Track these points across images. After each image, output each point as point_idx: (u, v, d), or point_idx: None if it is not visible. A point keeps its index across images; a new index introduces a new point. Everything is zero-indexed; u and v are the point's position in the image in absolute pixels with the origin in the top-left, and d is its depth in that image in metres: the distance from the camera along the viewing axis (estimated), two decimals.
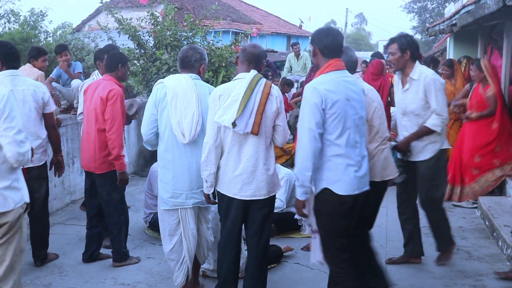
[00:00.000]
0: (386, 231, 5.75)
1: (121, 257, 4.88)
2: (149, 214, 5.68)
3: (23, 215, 3.10)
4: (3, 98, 2.94)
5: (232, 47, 9.57)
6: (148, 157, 8.99)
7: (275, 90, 3.63)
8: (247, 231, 3.82)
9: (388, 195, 7.31)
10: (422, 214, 4.83)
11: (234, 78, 3.70)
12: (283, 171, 5.80)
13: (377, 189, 3.87)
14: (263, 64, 3.75)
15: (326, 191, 3.34)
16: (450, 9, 12.64)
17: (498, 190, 7.06)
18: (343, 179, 3.31)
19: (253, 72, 3.61)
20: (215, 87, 3.73)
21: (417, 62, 4.48)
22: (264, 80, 3.60)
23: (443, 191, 4.99)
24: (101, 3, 9.72)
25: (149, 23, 9.27)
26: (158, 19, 9.25)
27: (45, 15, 10.09)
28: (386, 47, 4.70)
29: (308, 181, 3.28)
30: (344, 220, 3.39)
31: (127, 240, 5.00)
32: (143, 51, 9.22)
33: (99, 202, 4.89)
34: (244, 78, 3.59)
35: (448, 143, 4.71)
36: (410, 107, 4.50)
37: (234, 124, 3.45)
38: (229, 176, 3.59)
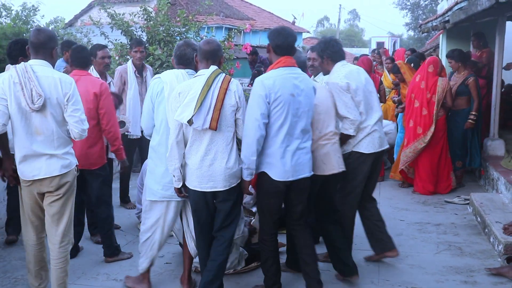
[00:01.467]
0: None
1: (113, 251, 4.87)
2: (141, 210, 5.65)
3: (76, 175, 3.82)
4: (72, 83, 3.68)
5: (226, 43, 9.54)
6: (140, 153, 8.93)
7: (234, 85, 3.71)
8: (214, 225, 3.89)
9: (380, 191, 7.35)
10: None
11: (194, 75, 3.80)
12: None
13: (316, 181, 4.09)
14: (221, 57, 3.84)
15: (263, 174, 3.79)
16: (443, 5, 12.65)
17: (490, 186, 7.11)
18: (278, 166, 3.73)
19: (212, 68, 3.70)
20: None
21: (338, 64, 4.44)
22: (222, 75, 3.67)
23: (349, 201, 4.56)
24: None
25: (142, 18, 9.23)
26: (151, 14, 9.21)
27: (37, 9, 10.03)
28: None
29: (254, 164, 3.70)
30: (276, 200, 3.88)
31: (114, 235, 4.98)
32: None
33: (82, 200, 4.89)
34: (203, 75, 3.68)
35: (368, 147, 4.41)
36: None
37: (190, 121, 3.55)
38: (192, 169, 3.71)
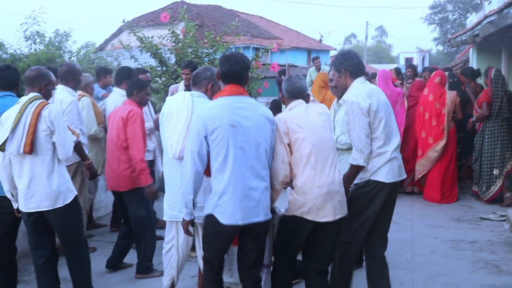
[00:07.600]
0: (412, 245, 5.67)
1: (144, 269, 4.94)
2: None
3: None
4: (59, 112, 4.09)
5: (253, 62, 9.61)
6: None
7: (47, 110, 3.84)
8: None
9: (413, 208, 7.24)
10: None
11: (17, 102, 3.95)
12: None
13: (305, 227, 3.57)
14: (41, 83, 4.01)
15: (210, 217, 3.37)
16: (472, 19, 12.55)
17: None
18: (225, 208, 3.31)
19: (30, 95, 3.93)
20: None
21: (358, 80, 3.90)
22: (37, 101, 3.86)
23: (357, 230, 3.88)
24: (123, 22, 9.87)
25: (170, 40, 9.37)
26: (179, 37, 9.35)
27: (69, 35, 10.30)
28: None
29: (191, 203, 3.36)
30: (221, 245, 3.48)
31: (153, 254, 5.01)
32: (165, 69, 9.32)
33: (127, 217, 5.05)
34: (20, 103, 3.89)
35: (388, 175, 3.77)
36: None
37: (2, 148, 3.82)
38: (18, 192, 3.95)
